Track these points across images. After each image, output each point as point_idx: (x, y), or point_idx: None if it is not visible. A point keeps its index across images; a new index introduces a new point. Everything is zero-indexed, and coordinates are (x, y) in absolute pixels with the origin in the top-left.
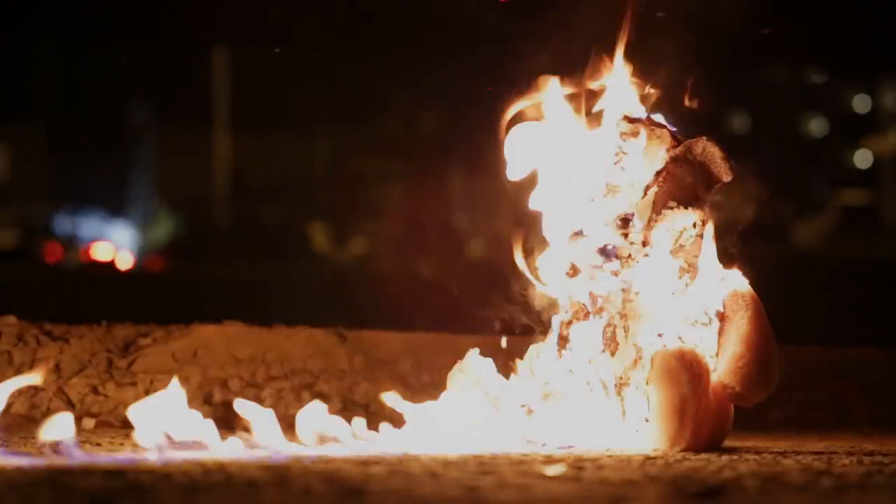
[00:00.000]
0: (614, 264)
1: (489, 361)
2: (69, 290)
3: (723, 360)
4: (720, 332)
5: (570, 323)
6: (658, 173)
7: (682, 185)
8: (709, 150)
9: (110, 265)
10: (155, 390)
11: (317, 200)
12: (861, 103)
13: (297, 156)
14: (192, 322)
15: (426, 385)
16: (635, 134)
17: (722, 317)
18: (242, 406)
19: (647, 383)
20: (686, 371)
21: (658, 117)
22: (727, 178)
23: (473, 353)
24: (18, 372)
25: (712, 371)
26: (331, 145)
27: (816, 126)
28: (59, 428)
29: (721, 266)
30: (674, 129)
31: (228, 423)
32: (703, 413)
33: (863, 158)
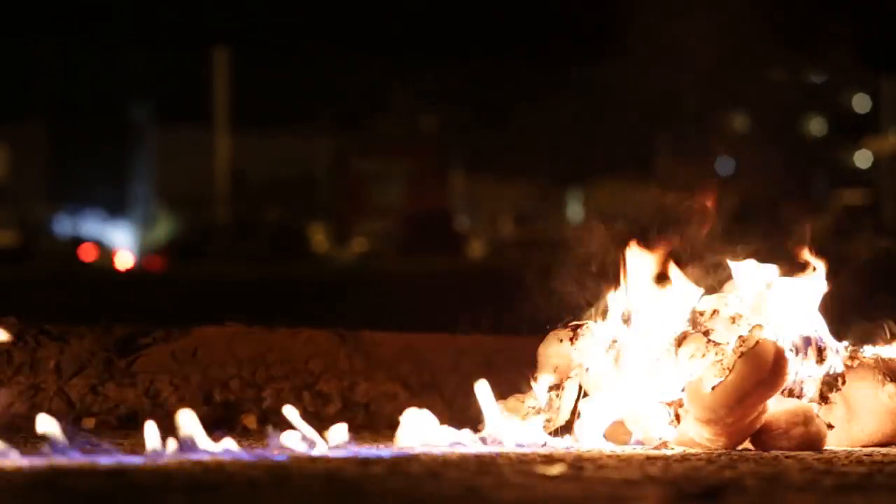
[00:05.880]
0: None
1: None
2: (69, 290)
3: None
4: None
5: None
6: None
7: None
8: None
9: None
10: (155, 390)
11: (317, 200)
12: (861, 103)
13: (298, 156)
14: (192, 322)
15: (426, 385)
16: None
17: None
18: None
19: (738, 356)
20: (774, 365)
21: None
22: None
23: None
24: (18, 372)
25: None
26: (331, 145)
27: (816, 126)
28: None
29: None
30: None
31: (229, 423)
32: (752, 411)
33: (863, 158)
